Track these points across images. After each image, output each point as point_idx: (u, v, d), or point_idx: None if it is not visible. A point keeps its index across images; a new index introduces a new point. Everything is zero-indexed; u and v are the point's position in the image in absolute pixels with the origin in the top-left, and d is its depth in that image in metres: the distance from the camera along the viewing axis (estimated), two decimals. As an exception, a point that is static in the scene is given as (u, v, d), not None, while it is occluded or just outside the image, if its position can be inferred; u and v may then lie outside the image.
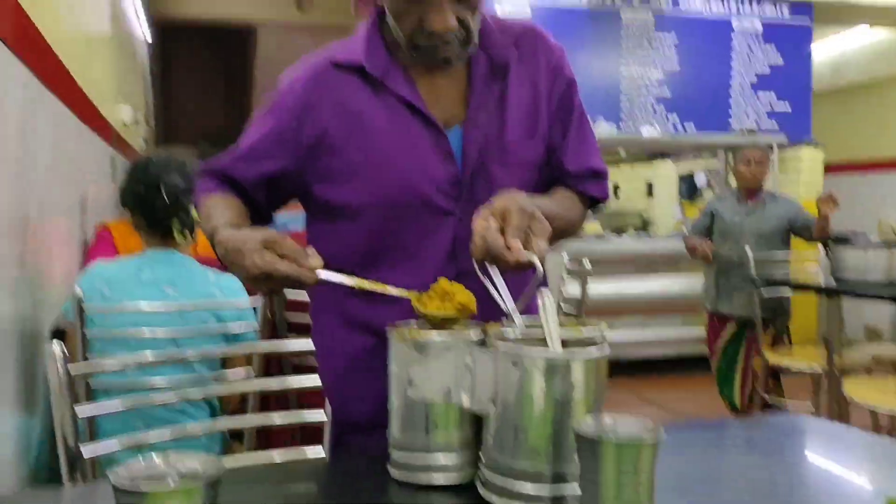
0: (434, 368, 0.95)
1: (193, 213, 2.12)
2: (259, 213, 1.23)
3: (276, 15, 7.14)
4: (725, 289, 3.91)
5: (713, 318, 4.00)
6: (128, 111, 4.87)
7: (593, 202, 1.30)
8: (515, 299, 0.97)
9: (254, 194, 1.21)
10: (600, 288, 4.45)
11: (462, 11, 1.09)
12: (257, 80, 9.14)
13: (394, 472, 0.99)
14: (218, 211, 1.14)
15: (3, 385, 1.76)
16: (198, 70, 9.24)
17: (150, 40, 6.90)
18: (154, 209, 2.09)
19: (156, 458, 0.64)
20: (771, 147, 5.61)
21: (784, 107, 6.20)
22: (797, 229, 3.83)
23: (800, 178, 5.93)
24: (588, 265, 3.02)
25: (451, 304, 1.00)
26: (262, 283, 0.99)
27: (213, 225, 1.10)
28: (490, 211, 0.98)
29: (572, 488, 0.85)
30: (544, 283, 1.08)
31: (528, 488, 0.86)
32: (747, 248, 3.65)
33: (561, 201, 1.22)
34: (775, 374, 3.77)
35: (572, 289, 3.14)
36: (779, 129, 6.06)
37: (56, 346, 1.04)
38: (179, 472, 0.64)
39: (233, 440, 2.17)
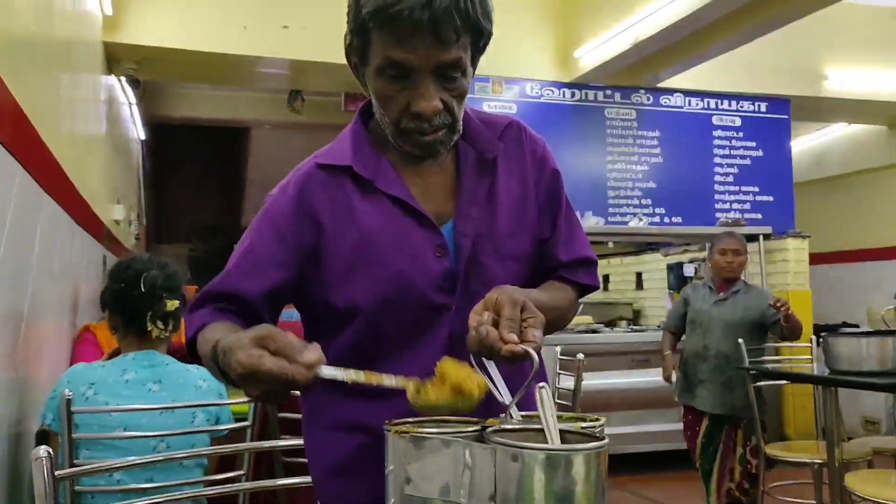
0: (432, 465, 0.93)
1: (170, 305, 2.11)
2: None
3: (269, 115, 7.30)
4: (691, 381, 3.76)
5: (686, 413, 3.85)
6: (120, 210, 4.92)
7: (584, 290, 1.30)
8: (514, 392, 0.96)
9: (257, 307, 1.15)
10: (593, 381, 4.41)
11: (447, 97, 1.10)
12: (250, 177, 9.28)
13: (391, 577, 0.95)
14: (217, 332, 1.05)
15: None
16: (191, 168, 9.38)
17: (143, 139, 7.02)
18: (131, 303, 2.08)
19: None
20: (756, 238, 5.71)
21: (767, 198, 6.32)
22: (769, 324, 3.67)
23: (788, 267, 5.99)
24: (582, 358, 3.01)
25: (445, 390, 0.95)
26: (250, 384, 0.89)
27: (212, 344, 1.00)
28: (483, 304, 0.99)
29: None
30: (542, 374, 1.07)
31: (531, 591, 0.84)
32: (740, 341, 3.54)
33: (552, 292, 1.23)
34: (753, 476, 3.60)
35: (566, 382, 3.12)
36: (763, 219, 6.16)
37: (43, 451, 1.01)
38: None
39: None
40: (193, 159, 9.32)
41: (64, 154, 2.79)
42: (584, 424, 1.01)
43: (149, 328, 2.07)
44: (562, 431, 0.94)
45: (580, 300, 1.32)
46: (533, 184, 1.25)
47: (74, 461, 1.84)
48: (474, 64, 1.14)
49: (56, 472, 1.00)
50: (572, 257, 1.27)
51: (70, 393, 1.81)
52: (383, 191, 1.16)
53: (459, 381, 0.94)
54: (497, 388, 0.97)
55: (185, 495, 1.60)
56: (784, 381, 4.00)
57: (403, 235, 1.15)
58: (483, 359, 0.98)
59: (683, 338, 3.95)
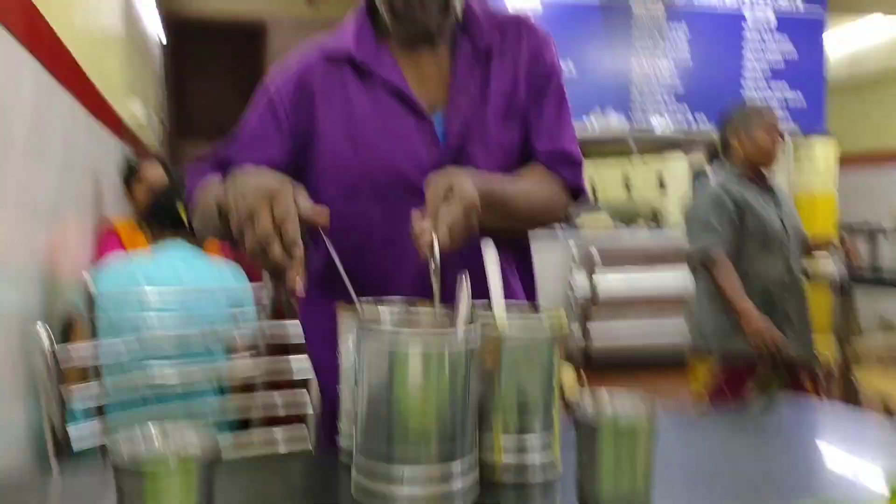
0: (348, 349, 0.94)
1: None
2: None
3: (287, 11, 7.16)
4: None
5: (728, 367, 2.63)
6: (140, 108, 4.90)
7: (573, 191, 1.26)
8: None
9: None
10: (611, 281, 4.44)
11: None
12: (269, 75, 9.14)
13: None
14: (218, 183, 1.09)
15: (11, 374, 1.78)
16: (210, 66, 9.25)
17: (162, 38, 6.93)
18: (161, 204, 2.17)
19: (153, 431, 0.65)
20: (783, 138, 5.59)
21: (797, 98, 6.15)
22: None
23: (813, 169, 5.88)
24: (596, 255, 3.02)
25: None
26: (247, 231, 0.87)
27: (215, 189, 1.04)
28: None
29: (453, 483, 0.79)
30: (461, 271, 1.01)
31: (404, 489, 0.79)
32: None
33: (530, 180, 1.20)
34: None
35: (580, 280, 3.14)
36: (792, 120, 6.01)
37: (41, 329, 1.04)
38: (176, 447, 0.64)
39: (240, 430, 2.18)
40: (212, 58, 9.18)
41: (79, 49, 2.77)
42: (531, 318, 0.94)
43: (179, 213, 2.16)
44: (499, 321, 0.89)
45: (574, 204, 1.27)
46: (525, 74, 1.23)
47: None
48: None
49: (55, 350, 1.03)
50: (552, 148, 1.23)
51: (95, 280, 1.86)
52: (378, 74, 1.18)
53: None
54: (435, 279, 0.94)
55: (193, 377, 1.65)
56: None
57: (395, 121, 1.17)
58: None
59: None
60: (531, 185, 1.19)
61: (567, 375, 2.99)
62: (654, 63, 5.88)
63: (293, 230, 0.86)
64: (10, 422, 1.75)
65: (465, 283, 0.87)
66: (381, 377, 0.79)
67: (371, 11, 1.23)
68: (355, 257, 1.06)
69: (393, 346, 0.79)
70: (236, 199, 0.89)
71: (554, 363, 0.89)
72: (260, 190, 0.88)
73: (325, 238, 0.96)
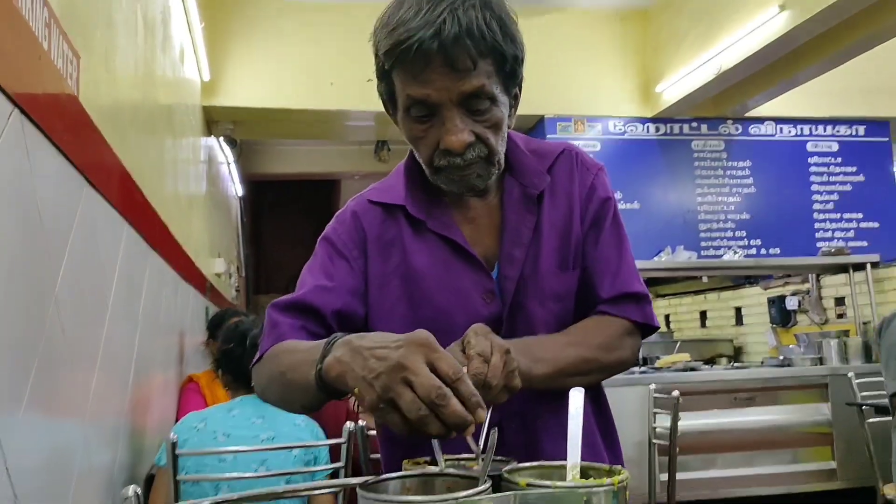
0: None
1: None
2: None
3: (358, 166, 7.51)
4: None
5: None
6: (221, 264, 5.13)
7: (641, 327, 1.18)
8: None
9: (330, 324, 1.12)
10: (693, 421, 4.27)
11: (479, 128, 1.05)
12: (342, 227, 9.46)
13: None
14: (305, 345, 1.00)
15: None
16: (286, 220, 9.71)
17: (241, 195, 7.33)
18: (239, 360, 2.21)
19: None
20: (863, 266, 5.44)
21: (872, 224, 6.05)
22: None
23: (898, 297, 5.67)
24: (678, 396, 2.93)
25: None
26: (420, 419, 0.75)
27: (305, 355, 0.94)
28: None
29: None
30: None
31: None
32: None
33: (580, 329, 1.14)
34: None
35: (662, 421, 3.03)
36: (869, 247, 5.88)
37: (131, 490, 1.05)
38: None
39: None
40: (288, 212, 9.65)
41: (168, 212, 2.96)
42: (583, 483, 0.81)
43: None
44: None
45: (643, 339, 1.21)
46: (579, 215, 1.18)
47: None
48: (509, 91, 1.08)
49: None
50: (614, 293, 1.16)
51: (175, 436, 1.90)
52: (436, 232, 1.15)
53: None
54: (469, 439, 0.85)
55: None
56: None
57: (453, 277, 1.13)
58: None
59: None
60: (582, 332, 1.12)
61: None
62: (720, 196, 5.92)
63: (470, 385, 0.77)
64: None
65: (491, 441, 0.80)
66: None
67: (417, 163, 1.17)
68: None
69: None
70: (368, 361, 0.79)
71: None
72: (403, 345, 0.77)
73: None
